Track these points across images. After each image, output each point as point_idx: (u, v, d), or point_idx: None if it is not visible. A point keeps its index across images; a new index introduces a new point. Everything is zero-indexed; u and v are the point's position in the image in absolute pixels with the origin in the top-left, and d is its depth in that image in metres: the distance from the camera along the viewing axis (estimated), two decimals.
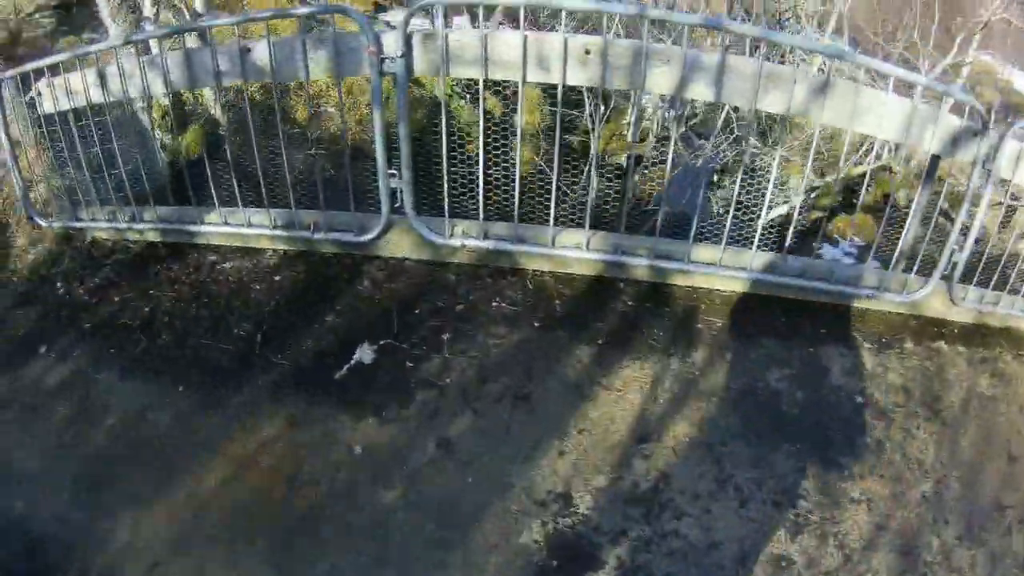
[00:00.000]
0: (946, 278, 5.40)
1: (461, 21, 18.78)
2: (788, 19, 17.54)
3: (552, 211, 5.39)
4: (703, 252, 5.64)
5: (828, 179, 10.10)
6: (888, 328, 5.61)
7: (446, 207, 5.46)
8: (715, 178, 13.51)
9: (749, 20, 18.21)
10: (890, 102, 4.71)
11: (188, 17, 10.95)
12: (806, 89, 4.77)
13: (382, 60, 4.84)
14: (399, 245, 5.78)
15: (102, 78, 5.44)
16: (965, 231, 5.22)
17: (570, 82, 4.86)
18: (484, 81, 4.87)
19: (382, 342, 5.16)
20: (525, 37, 4.70)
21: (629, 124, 17.51)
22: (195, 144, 8.30)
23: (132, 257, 6.08)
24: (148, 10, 8.48)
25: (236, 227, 5.79)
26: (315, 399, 4.83)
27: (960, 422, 4.98)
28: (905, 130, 4.79)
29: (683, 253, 5.53)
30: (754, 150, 10.83)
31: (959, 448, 4.82)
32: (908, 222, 5.46)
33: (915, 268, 5.54)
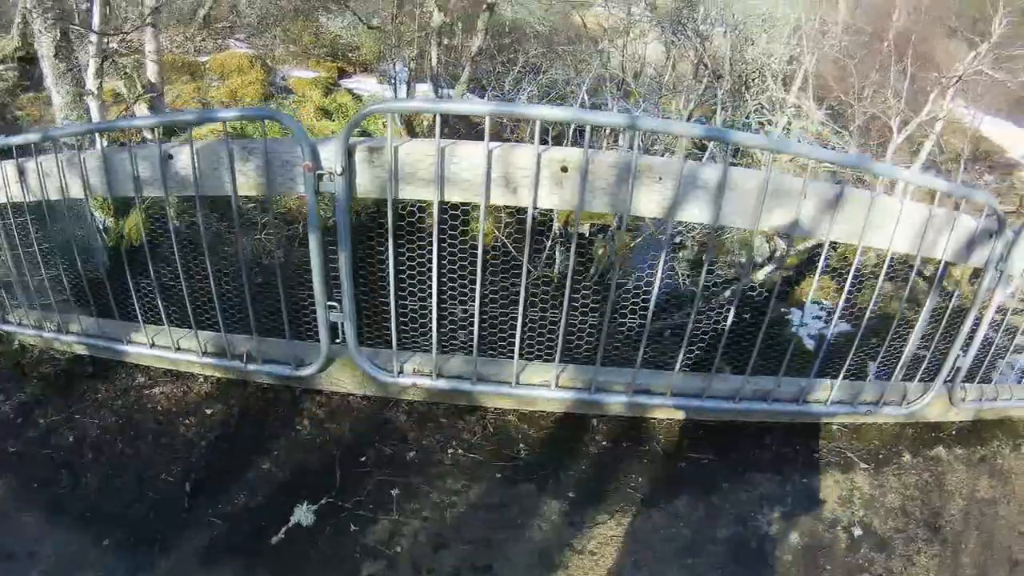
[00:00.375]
0: (947, 381, 4.93)
1: (424, 87, 18.21)
2: (755, 79, 17.02)
3: (517, 344, 4.39)
4: (688, 381, 4.71)
5: (800, 246, 9.33)
6: (884, 441, 5.06)
7: (393, 340, 4.45)
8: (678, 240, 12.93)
9: (718, 82, 17.74)
10: (905, 212, 4.07)
11: (139, 87, 10.04)
12: (815, 204, 3.96)
13: (319, 176, 3.84)
14: (342, 379, 4.80)
15: (21, 174, 4.54)
16: (971, 334, 4.73)
17: (542, 205, 3.89)
18: (440, 205, 3.88)
19: (323, 500, 4.18)
20: (490, 152, 3.74)
21: None
22: (136, 230, 7.27)
23: (59, 371, 5.11)
24: (91, 83, 7.45)
25: (163, 351, 4.85)
26: (250, 568, 3.87)
27: (961, 537, 4.46)
28: (920, 240, 4.18)
29: (665, 386, 4.62)
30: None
31: (960, 566, 4.32)
32: (915, 330, 4.69)
33: (917, 373, 4.96)
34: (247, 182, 4.03)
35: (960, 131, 17.74)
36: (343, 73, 19.19)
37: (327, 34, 20.41)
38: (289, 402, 4.84)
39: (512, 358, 4.46)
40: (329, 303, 4.26)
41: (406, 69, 17.12)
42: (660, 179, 3.78)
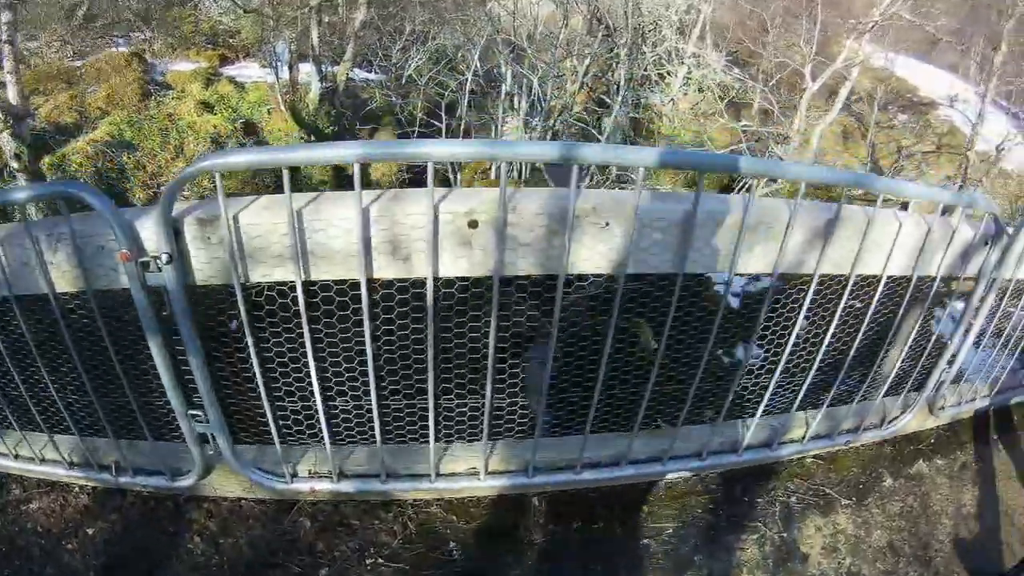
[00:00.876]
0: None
1: (307, 67, 16.61)
2: (651, 31, 15.92)
3: (431, 427, 3.18)
4: (648, 444, 3.61)
5: None
6: (863, 466, 4.25)
7: (277, 444, 3.22)
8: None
9: (612, 36, 16.57)
10: (903, 232, 3.17)
11: None
12: (804, 234, 2.95)
13: (143, 266, 2.57)
14: (228, 485, 3.60)
15: None
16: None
17: (446, 274, 2.69)
18: (304, 286, 2.61)
19: None
20: (366, 209, 2.51)
21: (490, 167, 15.74)
22: None
23: None
24: None
25: (27, 462, 3.65)
26: None
27: (951, 565, 3.80)
28: (916, 259, 3.32)
29: (620, 455, 3.53)
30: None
31: None
32: (900, 351, 3.83)
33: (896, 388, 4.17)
34: (62, 276, 2.76)
35: (872, 73, 17.01)
36: (225, 60, 17.38)
37: (206, 21, 18.45)
38: (173, 512, 3.66)
39: (428, 442, 3.28)
40: (191, 412, 3.06)
41: (287, 51, 15.48)
42: (607, 225, 2.65)
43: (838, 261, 3.09)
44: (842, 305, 3.23)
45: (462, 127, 13.41)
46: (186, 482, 3.42)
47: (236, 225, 2.51)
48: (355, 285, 2.62)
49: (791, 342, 3.25)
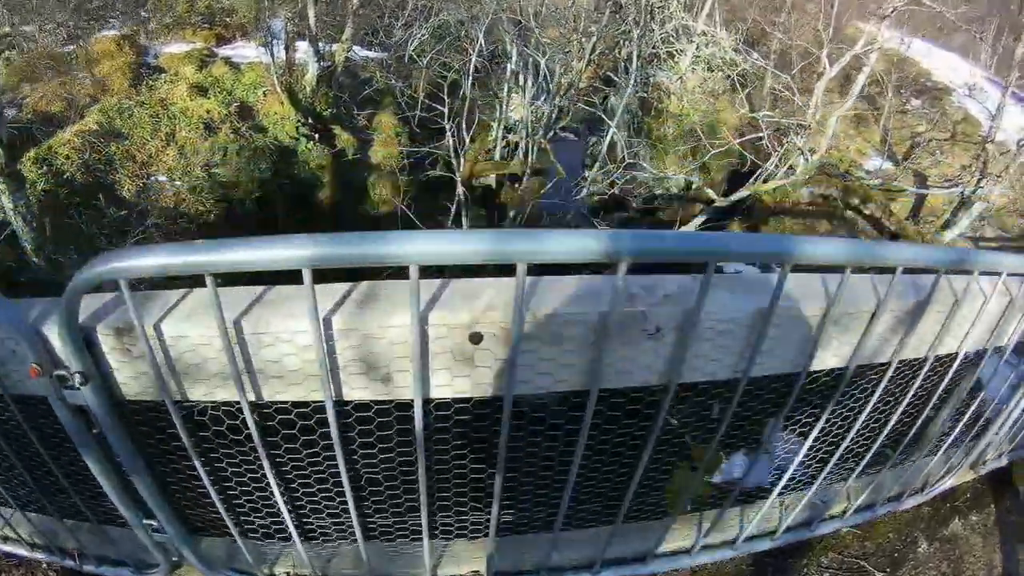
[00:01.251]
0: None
1: (304, 46, 15.55)
2: (660, 7, 15.06)
3: (425, 533, 2.46)
4: (676, 533, 2.96)
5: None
6: (899, 531, 3.81)
7: (243, 547, 2.55)
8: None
9: (619, 12, 15.70)
10: (986, 307, 2.53)
11: None
12: (888, 321, 2.25)
13: (59, 380, 1.88)
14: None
15: None
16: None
17: (440, 396, 1.98)
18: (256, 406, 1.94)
19: None
20: (327, 322, 1.82)
21: (495, 141, 14.89)
22: None
23: None
24: None
25: None
26: None
27: None
28: (992, 332, 2.69)
29: (647, 550, 2.86)
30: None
31: None
32: (957, 421, 3.27)
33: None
34: None
35: (885, 57, 16.04)
36: (221, 39, 16.17)
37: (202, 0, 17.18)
38: None
39: (422, 541, 2.58)
40: (146, 522, 2.43)
41: (284, 30, 14.43)
42: (657, 331, 1.93)
43: (916, 344, 2.42)
44: (913, 391, 2.57)
45: (466, 107, 12.49)
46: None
47: (160, 338, 1.81)
48: (320, 407, 1.94)
49: (854, 430, 2.60)
